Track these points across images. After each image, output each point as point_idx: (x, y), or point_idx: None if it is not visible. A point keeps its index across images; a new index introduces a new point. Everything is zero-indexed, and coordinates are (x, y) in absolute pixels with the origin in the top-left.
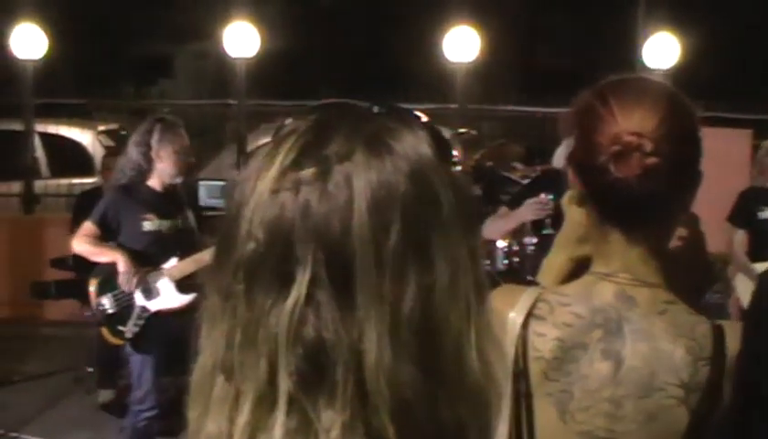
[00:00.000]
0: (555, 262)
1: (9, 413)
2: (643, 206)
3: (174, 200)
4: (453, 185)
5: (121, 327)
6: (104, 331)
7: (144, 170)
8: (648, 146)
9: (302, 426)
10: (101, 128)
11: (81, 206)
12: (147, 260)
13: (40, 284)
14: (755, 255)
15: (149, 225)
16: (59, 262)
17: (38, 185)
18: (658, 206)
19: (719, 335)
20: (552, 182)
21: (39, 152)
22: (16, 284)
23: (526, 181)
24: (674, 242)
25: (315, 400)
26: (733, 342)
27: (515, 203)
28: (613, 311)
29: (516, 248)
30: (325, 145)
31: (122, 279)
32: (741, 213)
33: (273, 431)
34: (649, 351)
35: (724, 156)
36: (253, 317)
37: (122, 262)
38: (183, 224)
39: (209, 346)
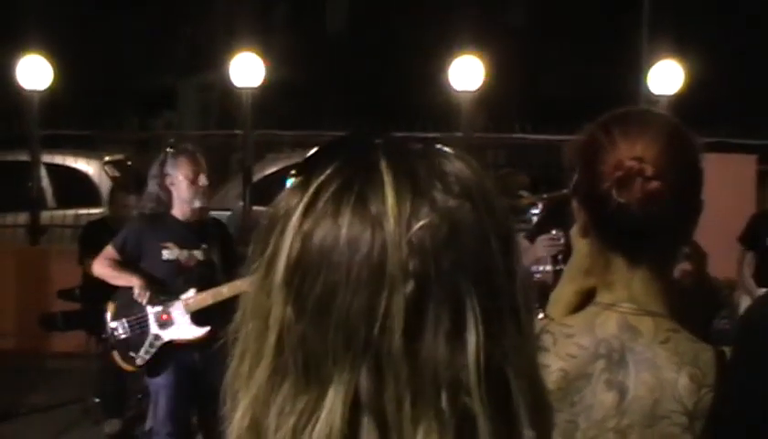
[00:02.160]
0: (562, 294)
1: None
2: (645, 231)
3: (198, 231)
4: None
5: (132, 353)
6: (115, 355)
7: (163, 200)
8: (650, 171)
9: None
10: (107, 159)
11: (88, 236)
12: (165, 288)
13: (47, 316)
14: (761, 280)
15: (168, 254)
16: (66, 294)
17: (44, 216)
18: (660, 231)
19: (722, 362)
20: (564, 213)
21: (45, 182)
22: (22, 316)
23: (536, 211)
24: (678, 275)
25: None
26: None
27: (532, 238)
28: (616, 341)
29: (541, 267)
30: (426, 182)
31: (136, 294)
32: (750, 236)
33: None
34: (653, 380)
35: (729, 182)
36: (419, 361)
37: (137, 284)
38: (204, 256)
39: (340, 389)
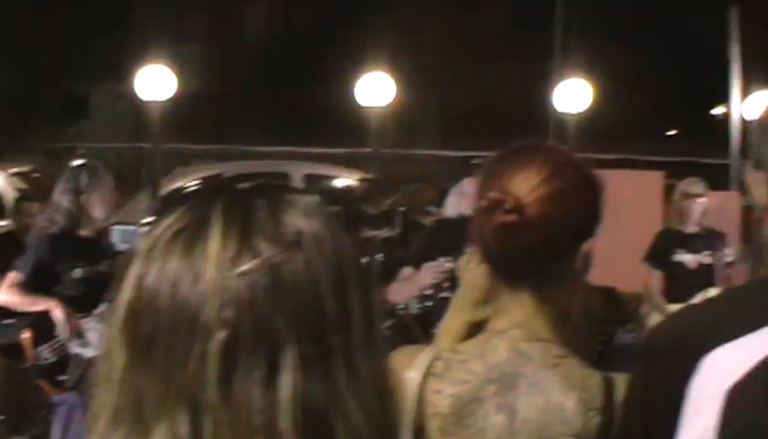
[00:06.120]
0: (452, 325)
1: None
2: (507, 261)
3: (102, 247)
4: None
5: (61, 377)
6: (43, 383)
7: (75, 216)
8: (509, 204)
9: None
10: (13, 170)
11: None
12: (80, 306)
13: None
14: (670, 296)
15: (80, 272)
16: None
17: None
18: (525, 262)
19: (609, 386)
20: (448, 238)
21: None
22: None
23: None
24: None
25: None
26: (623, 393)
27: (415, 263)
28: (507, 366)
29: (430, 292)
30: (255, 232)
31: (60, 327)
32: (657, 254)
33: None
34: (542, 403)
35: (636, 198)
36: (234, 406)
37: (58, 310)
38: (109, 268)
39: (161, 437)
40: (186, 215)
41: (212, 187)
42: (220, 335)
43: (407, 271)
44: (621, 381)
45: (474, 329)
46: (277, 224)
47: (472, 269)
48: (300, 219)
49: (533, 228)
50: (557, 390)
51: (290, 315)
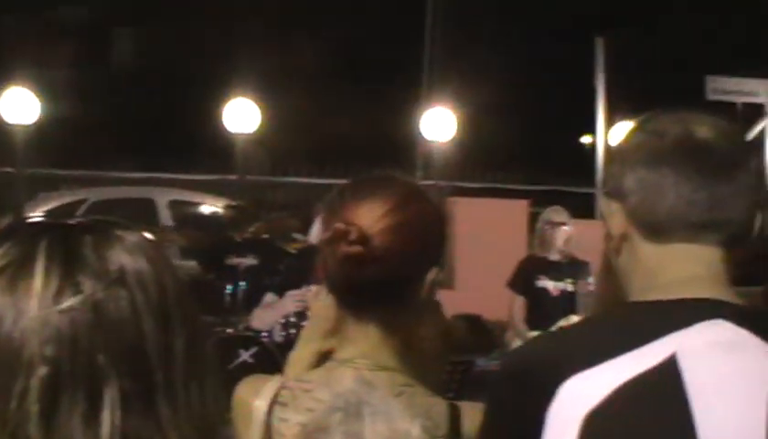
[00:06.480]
0: (301, 355)
1: None
2: (352, 292)
3: None
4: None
5: None
6: None
7: None
8: (353, 235)
9: None
10: None
11: None
12: None
13: None
14: (532, 323)
15: None
16: None
17: None
18: (370, 292)
19: (455, 414)
20: (313, 266)
21: None
22: None
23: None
24: (422, 334)
25: None
26: (469, 421)
27: (279, 290)
28: (352, 395)
29: (293, 319)
30: (79, 269)
31: None
32: (520, 280)
33: None
34: (387, 432)
35: (502, 226)
36: None
37: None
38: None
39: None
40: (12, 251)
41: (39, 223)
42: (41, 371)
43: (269, 297)
44: (467, 409)
45: (323, 359)
46: (101, 260)
47: (321, 299)
48: (124, 255)
49: (378, 259)
50: (402, 419)
51: (111, 352)
